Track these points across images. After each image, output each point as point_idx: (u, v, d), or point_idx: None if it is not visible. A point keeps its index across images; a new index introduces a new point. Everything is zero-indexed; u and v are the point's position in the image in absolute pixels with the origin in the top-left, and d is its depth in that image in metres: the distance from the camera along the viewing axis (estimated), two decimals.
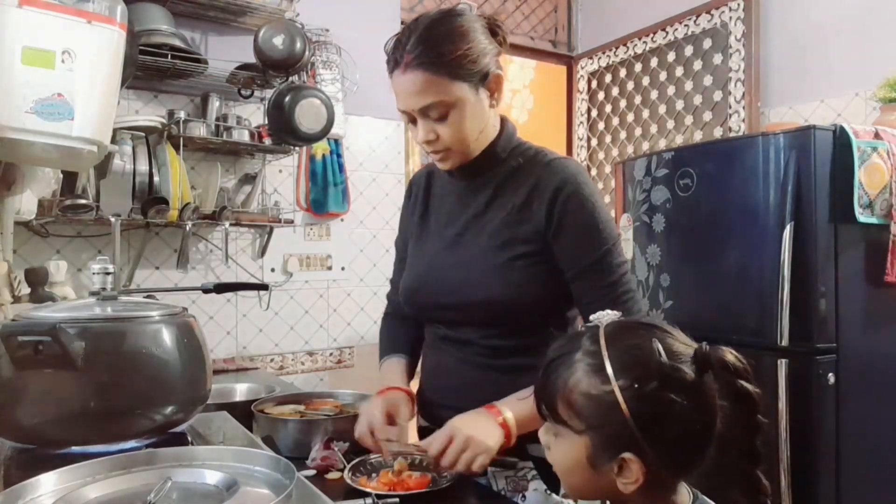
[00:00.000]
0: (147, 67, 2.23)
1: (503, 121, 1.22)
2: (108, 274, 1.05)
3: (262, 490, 0.75)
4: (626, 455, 0.70)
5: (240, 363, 2.43)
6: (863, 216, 1.89)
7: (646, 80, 3.33)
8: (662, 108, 3.24)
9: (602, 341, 0.73)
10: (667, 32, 3.20)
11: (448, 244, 1.23)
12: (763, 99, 2.79)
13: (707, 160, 2.13)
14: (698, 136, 3.05)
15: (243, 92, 2.56)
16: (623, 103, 3.47)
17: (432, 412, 1.25)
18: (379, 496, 1.00)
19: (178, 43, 2.29)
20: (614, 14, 3.50)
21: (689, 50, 3.10)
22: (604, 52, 3.56)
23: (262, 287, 2.38)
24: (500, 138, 1.20)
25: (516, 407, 1.07)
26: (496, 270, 1.15)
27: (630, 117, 3.43)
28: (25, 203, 1.71)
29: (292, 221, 2.65)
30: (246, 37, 2.50)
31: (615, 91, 3.51)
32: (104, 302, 1.02)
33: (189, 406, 1.03)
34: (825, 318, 1.87)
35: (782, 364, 1.86)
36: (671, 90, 3.19)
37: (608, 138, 3.56)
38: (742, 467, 0.72)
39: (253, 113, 2.62)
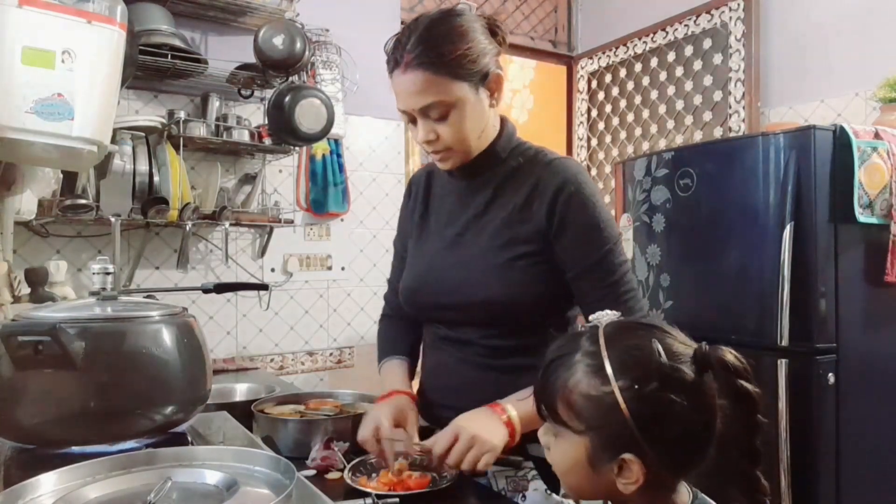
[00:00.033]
0: (147, 67, 2.23)
1: (503, 121, 1.22)
2: (108, 274, 1.05)
3: (262, 490, 0.75)
4: (627, 455, 0.70)
5: (240, 363, 2.43)
6: (863, 216, 1.89)
7: (646, 80, 3.33)
8: (662, 108, 3.24)
9: (601, 342, 0.73)
10: (667, 32, 3.20)
11: (448, 244, 1.23)
12: (763, 99, 2.80)
13: (707, 160, 2.13)
14: (698, 136, 3.05)
15: (243, 92, 2.56)
16: (623, 103, 3.47)
17: (432, 412, 1.25)
18: (379, 496, 1.00)
19: (178, 43, 2.29)
20: (614, 14, 3.50)
21: (689, 50, 3.10)
22: (604, 52, 3.56)
23: (262, 287, 2.38)
24: (500, 138, 1.20)
25: (519, 406, 1.07)
26: (497, 270, 1.15)
27: (630, 117, 3.43)
28: (25, 203, 1.71)
29: (292, 221, 2.65)
30: (246, 37, 2.50)
31: (615, 91, 3.51)
32: (104, 302, 1.01)
33: (189, 406, 1.03)
34: (825, 318, 1.87)
35: (782, 364, 1.86)
36: (671, 90, 3.19)
37: (608, 138, 3.56)
38: (742, 467, 0.72)
39: (253, 113, 2.62)
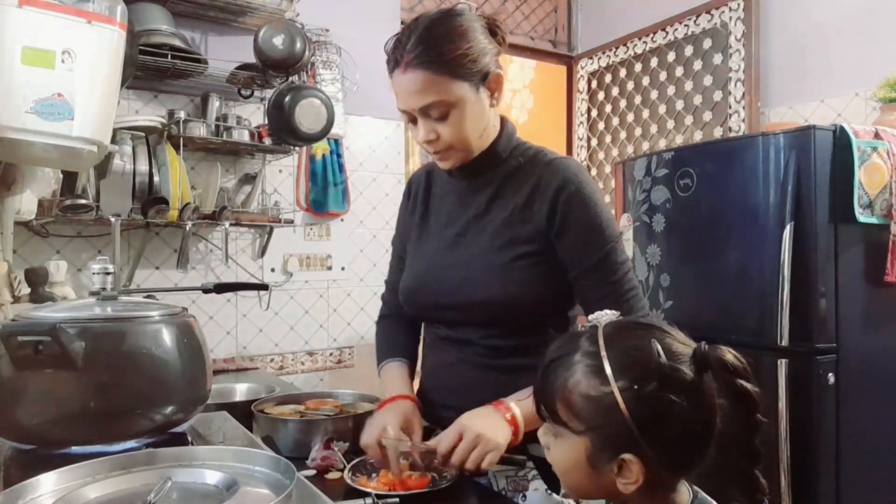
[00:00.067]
0: (147, 67, 2.23)
1: (503, 121, 1.22)
2: (108, 274, 1.05)
3: (262, 490, 0.75)
4: (626, 456, 0.70)
5: (240, 363, 2.43)
6: (863, 216, 1.89)
7: (646, 80, 3.33)
8: (662, 108, 3.24)
9: (601, 342, 0.73)
10: (667, 32, 3.20)
11: (448, 244, 1.23)
12: (763, 99, 2.80)
13: (707, 160, 2.13)
14: (698, 136, 3.05)
15: (243, 92, 2.56)
16: (623, 103, 3.47)
17: (432, 412, 1.25)
18: (379, 496, 1.00)
19: (178, 43, 2.29)
20: (614, 14, 3.50)
21: (689, 50, 3.10)
22: (604, 52, 3.56)
23: (262, 287, 2.38)
24: (500, 138, 1.20)
25: (522, 404, 1.07)
26: (497, 270, 1.15)
27: (630, 117, 3.43)
28: (25, 203, 1.71)
29: (292, 221, 2.65)
30: (246, 37, 2.50)
31: (615, 91, 3.51)
32: (104, 302, 1.02)
33: (189, 406, 1.03)
34: (825, 318, 1.87)
35: (782, 364, 1.86)
36: (671, 90, 3.19)
37: (608, 138, 3.56)
38: (741, 466, 0.72)
39: (253, 113, 2.62)
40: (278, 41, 2.34)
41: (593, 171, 3.63)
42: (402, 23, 3.01)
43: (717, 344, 0.72)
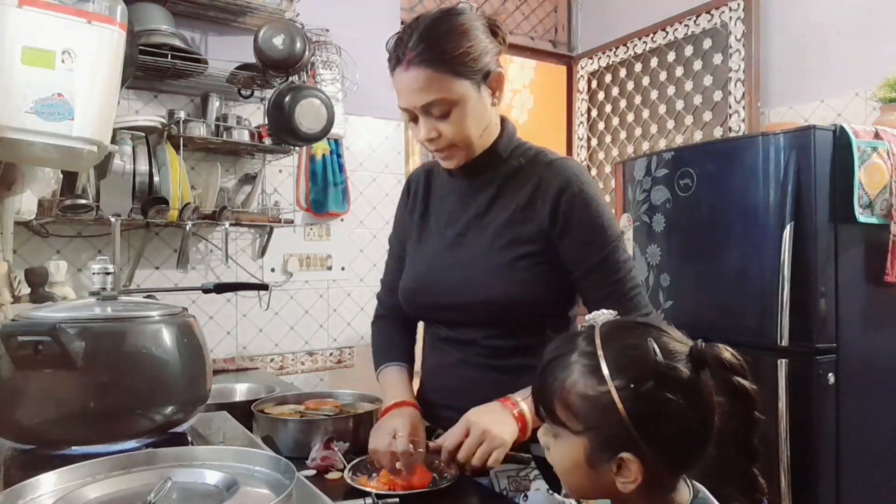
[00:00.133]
0: (147, 67, 2.23)
1: (503, 121, 1.22)
2: (108, 274, 1.05)
3: (262, 490, 0.75)
4: (625, 455, 0.70)
5: (240, 363, 2.43)
6: (863, 216, 1.89)
7: (646, 80, 3.33)
8: (662, 108, 3.24)
9: (598, 342, 0.73)
10: (667, 32, 3.20)
11: (449, 244, 1.22)
12: (763, 99, 2.80)
13: (707, 160, 2.13)
14: (698, 136, 3.05)
15: (243, 92, 2.56)
16: (623, 103, 3.47)
17: (432, 412, 1.25)
18: (379, 496, 1.00)
19: (178, 43, 2.29)
20: (614, 14, 3.50)
21: (689, 50, 3.10)
22: (604, 52, 3.56)
23: (262, 287, 2.38)
24: (501, 138, 1.20)
25: (530, 400, 1.06)
26: (499, 270, 1.15)
27: (630, 117, 3.43)
28: (25, 203, 1.71)
29: (292, 221, 2.65)
30: (246, 37, 2.50)
31: (615, 91, 3.51)
32: (104, 302, 1.01)
33: (189, 406, 1.03)
34: (825, 318, 1.87)
35: (782, 364, 1.86)
36: (671, 90, 3.19)
37: (608, 138, 3.56)
38: (741, 465, 0.72)
39: (253, 113, 2.62)
40: (278, 41, 2.34)
41: (593, 171, 3.63)
42: (402, 23, 3.01)
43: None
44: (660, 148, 3.17)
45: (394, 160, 3.05)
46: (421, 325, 1.36)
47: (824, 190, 1.87)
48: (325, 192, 2.78)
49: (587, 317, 0.79)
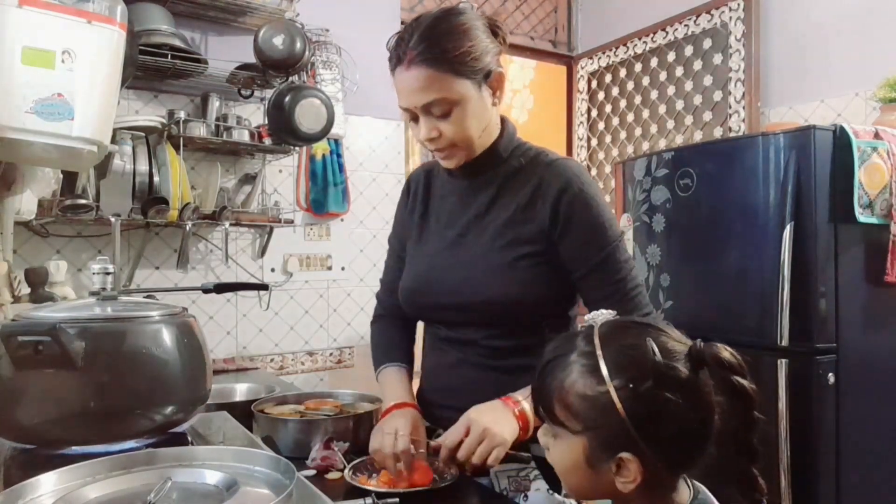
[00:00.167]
0: (147, 67, 2.23)
1: (503, 121, 1.22)
2: (108, 274, 1.04)
3: (262, 490, 0.75)
4: (624, 455, 0.70)
5: (240, 363, 2.43)
6: (863, 216, 1.89)
7: (646, 80, 3.33)
8: (662, 108, 3.24)
9: (596, 341, 0.73)
10: (667, 32, 3.20)
11: (449, 244, 1.22)
12: (763, 99, 2.79)
13: (707, 160, 2.13)
14: (698, 136, 3.05)
15: (243, 92, 2.56)
16: (623, 103, 3.47)
17: (432, 412, 1.25)
18: (379, 495, 1.00)
19: (178, 43, 2.29)
20: (614, 14, 3.50)
21: (689, 50, 3.10)
22: (604, 52, 3.56)
23: (262, 287, 2.38)
24: (501, 138, 1.20)
25: (530, 400, 1.06)
26: (499, 270, 1.15)
27: (630, 117, 3.43)
28: (25, 203, 1.71)
29: (292, 221, 2.65)
30: (246, 37, 2.50)
31: (615, 91, 3.51)
32: (104, 302, 1.01)
33: (189, 406, 1.03)
34: (825, 318, 1.87)
35: (782, 364, 1.86)
36: (671, 90, 3.19)
37: (608, 138, 3.56)
38: (740, 465, 0.72)
39: (253, 113, 2.62)
40: (278, 41, 2.34)
41: (593, 171, 3.63)
42: (402, 23, 3.01)
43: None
44: (660, 148, 3.17)
45: (394, 160, 3.05)
46: (421, 325, 1.36)
47: (824, 190, 1.87)
48: (325, 192, 2.78)
49: (586, 317, 0.79)
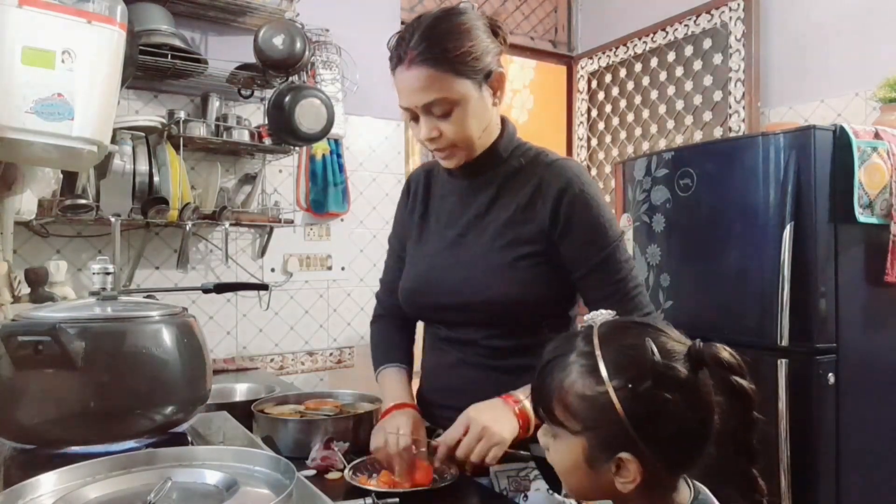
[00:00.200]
0: (147, 67, 2.23)
1: (504, 121, 1.22)
2: (108, 274, 1.04)
3: (262, 490, 0.75)
4: (623, 455, 0.70)
5: (240, 363, 2.43)
6: (863, 216, 1.89)
7: (646, 80, 3.33)
8: (662, 108, 3.24)
9: (596, 342, 0.73)
10: (667, 32, 3.20)
11: (449, 244, 1.22)
12: (763, 99, 2.79)
13: (707, 160, 2.13)
14: (698, 136, 3.05)
15: (243, 92, 2.56)
16: (623, 103, 3.47)
17: (432, 412, 1.25)
18: (379, 495, 1.00)
19: (178, 43, 2.29)
20: (614, 14, 3.50)
21: (689, 50, 3.10)
22: (604, 52, 3.56)
23: (262, 287, 2.38)
24: (501, 138, 1.20)
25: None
26: (499, 270, 1.15)
27: (630, 117, 3.43)
28: (25, 203, 1.71)
29: (292, 221, 2.65)
30: (246, 37, 2.50)
31: (615, 91, 3.51)
32: (104, 302, 1.01)
33: (189, 406, 1.03)
34: (825, 318, 1.87)
35: (782, 364, 1.86)
36: (671, 90, 3.19)
37: (608, 138, 3.56)
38: (740, 465, 0.72)
39: (253, 113, 2.62)
40: (278, 41, 2.34)
41: (593, 171, 3.63)
42: (402, 23, 3.01)
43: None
44: (660, 148, 3.17)
45: (394, 160, 3.05)
46: (421, 325, 1.36)
47: (824, 190, 1.87)
48: (325, 192, 2.78)
49: (585, 317, 0.79)
